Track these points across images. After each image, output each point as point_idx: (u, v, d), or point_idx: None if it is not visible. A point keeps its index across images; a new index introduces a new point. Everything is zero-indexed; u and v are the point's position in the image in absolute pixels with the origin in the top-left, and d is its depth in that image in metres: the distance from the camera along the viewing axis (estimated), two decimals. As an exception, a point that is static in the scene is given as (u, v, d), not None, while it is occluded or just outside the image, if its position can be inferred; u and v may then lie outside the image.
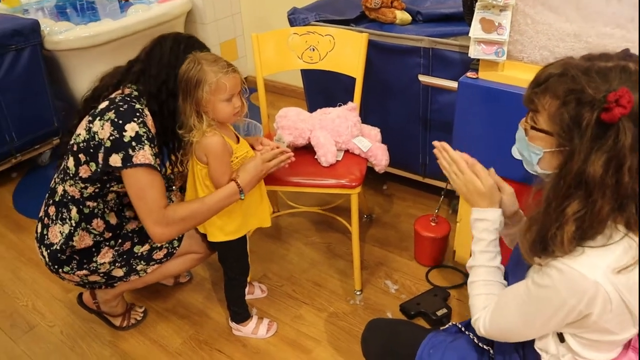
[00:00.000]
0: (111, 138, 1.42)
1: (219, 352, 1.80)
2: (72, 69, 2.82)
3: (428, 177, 2.36)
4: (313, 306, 1.95)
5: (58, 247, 1.57)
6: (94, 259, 1.60)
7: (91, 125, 1.47)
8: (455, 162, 1.20)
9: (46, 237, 1.61)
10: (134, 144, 1.41)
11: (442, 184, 2.24)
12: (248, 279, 1.88)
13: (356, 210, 1.86)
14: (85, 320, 1.93)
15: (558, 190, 0.90)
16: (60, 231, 1.58)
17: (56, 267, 1.60)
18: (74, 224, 1.57)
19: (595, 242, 0.88)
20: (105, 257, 1.61)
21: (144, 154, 1.42)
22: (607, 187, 0.85)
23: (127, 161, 1.41)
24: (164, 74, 1.50)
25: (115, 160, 1.42)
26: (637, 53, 0.91)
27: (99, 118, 1.45)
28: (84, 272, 1.61)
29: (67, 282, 1.69)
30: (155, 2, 3.21)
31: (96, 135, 1.45)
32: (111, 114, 1.43)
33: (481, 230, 1.13)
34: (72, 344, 1.86)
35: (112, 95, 1.51)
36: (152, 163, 1.43)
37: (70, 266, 1.59)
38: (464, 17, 1.74)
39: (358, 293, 1.98)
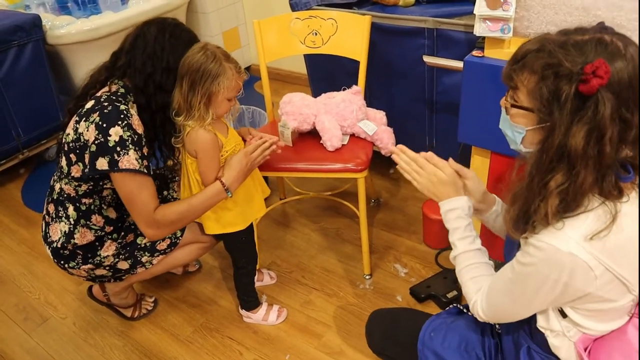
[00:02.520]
0: (96, 142, 1.40)
1: (230, 339, 1.81)
2: (75, 62, 2.82)
3: (435, 159, 2.34)
4: (323, 292, 1.95)
5: (59, 245, 1.58)
6: (98, 253, 1.60)
7: (77, 125, 1.45)
8: (415, 160, 1.22)
9: (48, 235, 1.61)
10: (118, 148, 1.40)
11: (449, 166, 2.22)
12: (257, 267, 1.88)
13: (363, 194, 1.85)
14: (96, 311, 1.95)
15: (541, 164, 0.90)
16: (60, 229, 1.58)
17: (62, 262, 1.60)
18: (72, 222, 1.56)
19: (573, 212, 0.89)
20: (108, 250, 1.60)
21: (129, 159, 1.41)
22: (589, 158, 0.85)
23: (114, 165, 1.40)
24: (149, 66, 1.45)
25: (102, 163, 1.41)
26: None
27: (84, 119, 1.43)
28: (89, 266, 1.61)
29: (75, 277, 1.70)
30: (156, -8, 3.19)
31: (82, 137, 1.43)
32: (96, 116, 1.41)
33: (454, 219, 1.14)
34: (84, 335, 1.88)
35: (99, 94, 1.48)
36: (137, 168, 1.42)
37: (76, 261, 1.59)
38: (467, -5, 1.71)
39: (367, 277, 1.98)
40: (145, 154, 1.46)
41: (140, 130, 1.45)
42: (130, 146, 1.41)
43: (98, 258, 1.60)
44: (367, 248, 1.95)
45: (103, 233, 1.60)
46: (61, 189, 1.56)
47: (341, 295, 1.92)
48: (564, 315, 0.98)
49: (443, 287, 1.85)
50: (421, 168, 1.19)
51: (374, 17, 2.02)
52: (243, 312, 1.85)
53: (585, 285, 0.88)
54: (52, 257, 1.61)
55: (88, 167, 1.44)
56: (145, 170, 1.45)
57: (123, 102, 1.45)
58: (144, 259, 1.66)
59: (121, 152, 1.40)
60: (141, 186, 1.45)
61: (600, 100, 0.83)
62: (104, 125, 1.39)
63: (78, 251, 1.58)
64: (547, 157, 0.89)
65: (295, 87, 3.42)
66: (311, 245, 2.18)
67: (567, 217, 0.89)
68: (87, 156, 1.43)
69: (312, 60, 2.46)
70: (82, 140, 1.43)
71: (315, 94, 2.24)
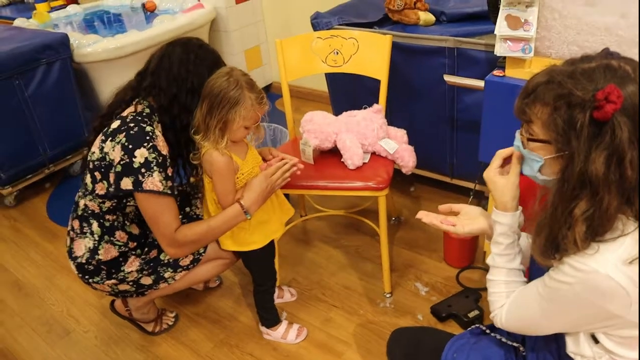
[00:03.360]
0: (122, 162, 1.43)
1: (250, 355, 1.81)
2: (100, 80, 2.89)
3: (456, 178, 2.34)
4: (343, 309, 1.95)
5: (83, 260, 1.60)
6: (122, 268, 1.62)
7: (103, 145, 1.48)
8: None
9: (72, 250, 1.64)
10: (143, 170, 1.42)
11: (470, 185, 2.22)
12: (277, 284, 1.88)
13: (384, 212, 1.85)
14: (118, 325, 1.97)
15: (563, 193, 0.91)
16: (84, 244, 1.60)
17: (86, 277, 1.63)
18: (96, 238, 1.59)
19: (608, 235, 0.88)
20: (132, 265, 1.63)
21: (153, 181, 1.43)
22: (611, 183, 0.85)
23: (138, 186, 1.43)
24: (174, 87, 1.48)
25: (127, 183, 1.44)
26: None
27: (110, 139, 1.46)
28: (113, 281, 1.63)
29: (98, 291, 1.73)
30: (180, 12, 3.27)
31: (107, 156, 1.46)
32: (122, 137, 1.43)
33: (499, 234, 1.11)
34: (106, 348, 1.90)
35: (125, 113, 1.50)
36: (161, 190, 1.44)
37: (100, 276, 1.62)
38: (488, 16, 1.73)
39: (388, 296, 1.97)
40: (170, 174, 1.49)
41: (165, 151, 1.47)
42: (155, 168, 1.43)
43: (122, 274, 1.62)
44: (388, 266, 1.94)
45: (127, 249, 1.62)
46: (85, 205, 1.59)
47: (361, 313, 1.92)
48: (595, 341, 0.96)
49: (464, 306, 1.84)
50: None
51: (394, 36, 2.04)
52: (263, 328, 1.86)
53: (620, 310, 0.87)
54: (76, 272, 1.64)
55: (113, 186, 1.47)
56: (169, 191, 1.47)
57: (148, 122, 1.48)
58: (166, 275, 1.68)
59: (146, 174, 1.42)
60: (164, 207, 1.48)
61: (617, 125, 0.83)
62: (130, 146, 1.42)
63: (102, 267, 1.61)
64: (569, 186, 0.89)
65: (316, 104, 3.45)
66: (332, 262, 2.18)
67: (601, 241, 0.88)
68: (112, 175, 1.46)
69: (333, 79, 2.49)
70: (108, 159, 1.46)
71: (336, 112, 2.27)
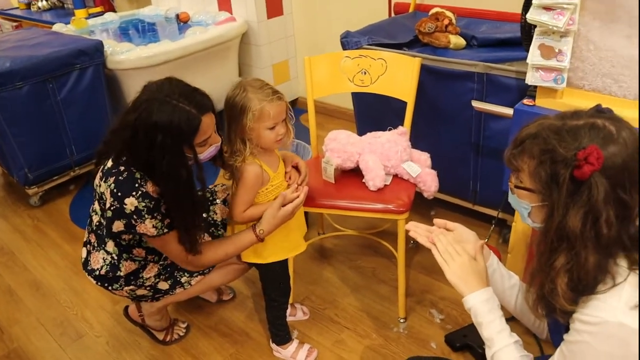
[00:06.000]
0: (112, 208, 1.41)
1: (258, 373, 1.79)
2: (131, 87, 2.94)
3: (478, 204, 2.30)
4: (355, 332, 1.91)
5: (103, 273, 1.60)
6: (140, 275, 1.63)
7: (101, 182, 1.48)
8: (431, 231, 1.23)
9: (89, 262, 1.64)
10: (135, 217, 1.40)
11: (493, 212, 2.17)
12: (290, 301, 1.86)
13: (403, 236, 1.82)
14: (130, 332, 1.97)
15: (545, 244, 0.94)
16: (102, 257, 1.60)
17: (105, 285, 1.63)
18: (115, 257, 1.58)
19: (601, 287, 0.89)
20: (151, 272, 1.64)
21: (145, 227, 1.42)
22: (587, 240, 0.88)
23: (131, 228, 1.42)
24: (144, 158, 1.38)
25: (119, 226, 1.43)
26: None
27: (104, 180, 1.45)
28: (132, 287, 1.64)
29: (112, 296, 1.73)
30: (213, 24, 3.32)
31: (103, 196, 1.47)
32: (111, 181, 1.41)
33: (488, 312, 1.09)
34: (116, 355, 1.90)
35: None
36: (155, 234, 1.44)
37: (119, 283, 1.62)
38: (520, 43, 1.70)
39: (402, 321, 1.93)
40: (164, 211, 1.45)
41: (156, 194, 1.42)
42: (146, 216, 1.41)
43: (140, 280, 1.63)
44: (404, 291, 1.91)
45: (146, 261, 1.64)
46: (99, 222, 1.58)
47: (374, 337, 1.88)
48: None
49: (480, 337, 1.78)
50: (457, 254, 1.16)
51: (424, 59, 2.02)
52: (273, 345, 1.84)
53: None
54: (94, 281, 1.64)
55: (105, 230, 1.48)
56: (165, 231, 1.45)
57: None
58: (183, 280, 1.69)
59: (138, 220, 1.41)
60: (164, 242, 1.49)
61: (594, 185, 0.86)
62: (119, 194, 1.40)
63: (121, 276, 1.62)
64: (549, 237, 0.92)
65: (341, 121, 3.45)
66: (346, 283, 2.15)
67: (596, 293, 0.88)
68: (104, 220, 1.47)
69: (359, 99, 2.48)
70: (104, 198, 1.46)
71: (361, 131, 2.25)
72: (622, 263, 0.89)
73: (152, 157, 1.35)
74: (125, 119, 1.38)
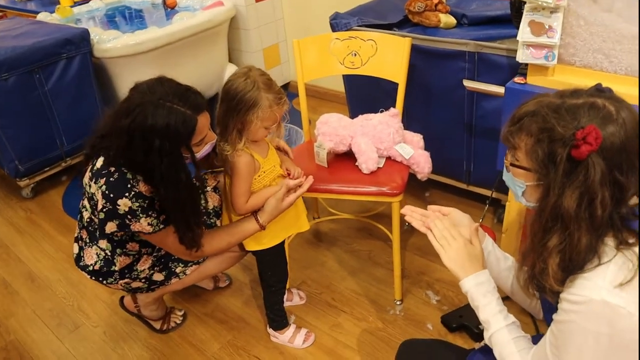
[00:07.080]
0: (104, 210, 1.38)
1: (256, 358, 1.79)
2: (119, 75, 2.90)
3: (472, 184, 2.29)
4: (352, 315, 1.92)
5: (97, 268, 1.58)
6: (135, 268, 1.62)
7: (91, 183, 1.44)
8: (426, 216, 1.21)
9: (82, 258, 1.62)
10: (129, 216, 1.38)
11: (487, 192, 2.17)
12: (287, 286, 1.86)
13: (397, 218, 1.82)
14: (127, 322, 1.97)
15: (539, 223, 0.93)
16: (96, 253, 1.58)
17: (100, 279, 1.62)
18: (108, 253, 1.56)
19: (588, 266, 0.89)
20: (145, 264, 1.63)
21: (141, 225, 1.40)
22: (581, 221, 0.87)
23: (125, 227, 1.40)
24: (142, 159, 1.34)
25: (111, 227, 1.41)
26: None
27: (94, 181, 1.41)
28: (126, 280, 1.63)
29: (111, 288, 1.72)
30: (200, 9, 3.27)
31: (94, 197, 1.43)
32: (102, 183, 1.37)
33: (484, 295, 1.09)
34: (114, 344, 1.90)
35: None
36: (150, 231, 1.42)
37: (113, 277, 1.61)
38: (511, 20, 1.68)
39: (398, 303, 1.94)
40: (158, 208, 1.43)
41: (149, 192, 1.40)
42: (141, 215, 1.39)
43: (135, 272, 1.62)
44: (399, 273, 1.91)
45: (140, 255, 1.62)
46: (90, 218, 1.55)
47: (370, 320, 1.89)
48: None
49: (476, 317, 1.75)
50: (453, 238, 1.15)
51: (414, 39, 2.00)
52: (270, 331, 1.84)
53: (632, 333, 0.83)
54: (88, 276, 1.63)
55: (98, 231, 1.46)
56: (161, 227, 1.44)
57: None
58: (177, 270, 1.68)
59: (133, 220, 1.39)
60: (162, 238, 1.48)
61: (591, 165, 0.85)
62: (111, 195, 1.37)
63: (116, 270, 1.60)
64: (544, 217, 0.91)
65: (333, 104, 3.42)
66: (342, 266, 2.16)
67: (582, 273, 0.88)
68: (96, 220, 1.45)
69: (350, 81, 2.46)
70: (95, 199, 1.43)
71: (353, 114, 2.24)
72: (610, 242, 0.88)
73: (150, 162, 1.32)
74: (117, 124, 1.34)
